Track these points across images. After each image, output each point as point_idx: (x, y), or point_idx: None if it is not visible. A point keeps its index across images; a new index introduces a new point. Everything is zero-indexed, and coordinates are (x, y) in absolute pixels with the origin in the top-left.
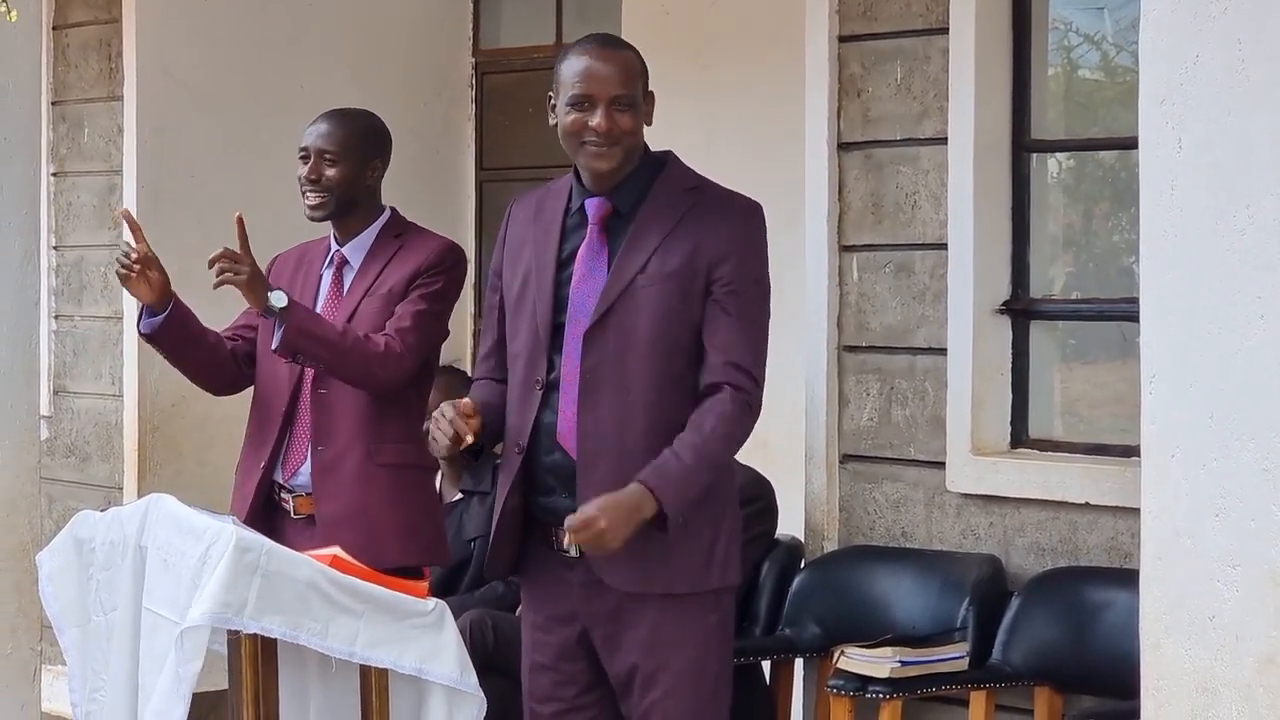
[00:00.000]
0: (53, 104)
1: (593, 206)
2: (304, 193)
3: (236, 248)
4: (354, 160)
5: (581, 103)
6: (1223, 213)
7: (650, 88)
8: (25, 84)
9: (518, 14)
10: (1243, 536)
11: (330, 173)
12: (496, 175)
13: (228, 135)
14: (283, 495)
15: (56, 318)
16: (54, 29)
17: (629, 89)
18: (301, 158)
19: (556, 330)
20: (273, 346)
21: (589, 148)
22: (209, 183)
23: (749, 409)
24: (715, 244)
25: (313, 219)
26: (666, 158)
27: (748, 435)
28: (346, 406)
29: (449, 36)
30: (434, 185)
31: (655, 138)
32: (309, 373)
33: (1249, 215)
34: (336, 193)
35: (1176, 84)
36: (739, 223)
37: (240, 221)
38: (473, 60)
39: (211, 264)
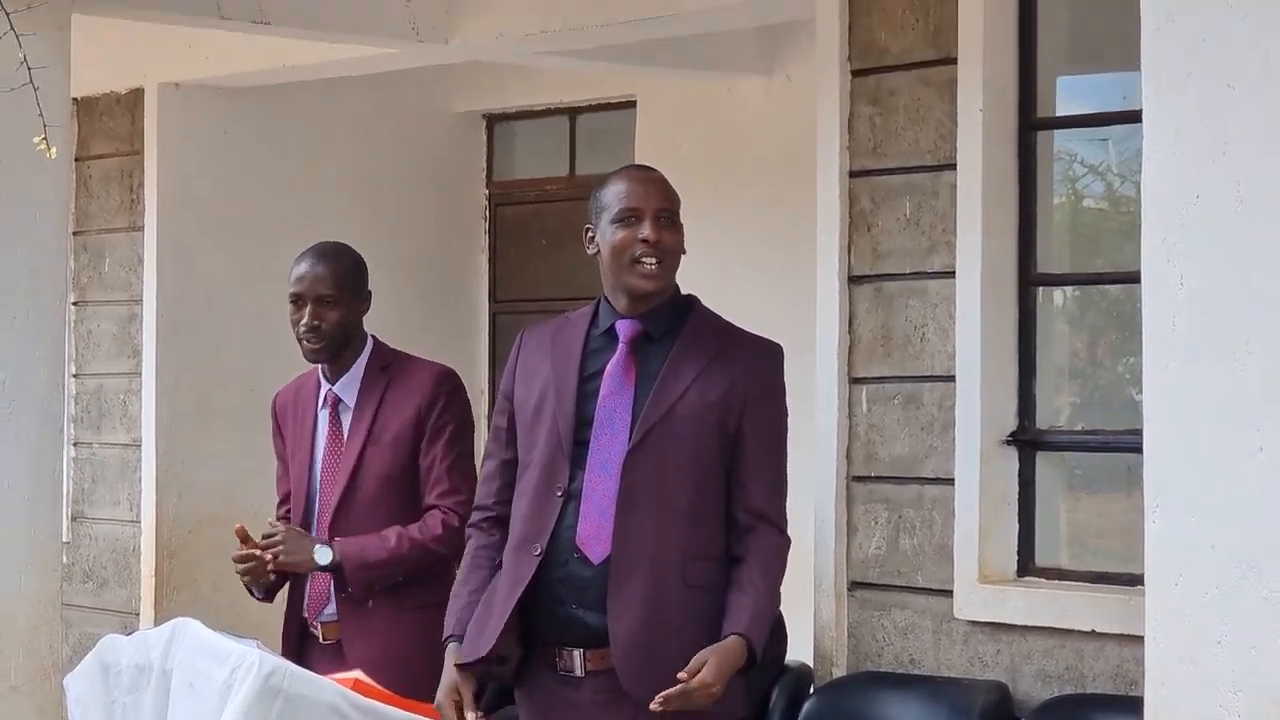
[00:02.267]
0: (74, 234)
1: (624, 327)
2: (304, 339)
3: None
4: (349, 299)
5: (629, 217)
6: (1223, 348)
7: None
8: (52, 217)
9: (531, 147)
10: (1245, 663)
11: (332, 315)
12: (509, 307)
13: (245, 265)
14: (311, 624)
15: (76, 444)
16: (76, 160)
17: (672, 205)
18: (295, 302)
19: (578, 444)
20: (348, 591)
21: (640, 265)
22: (227, 311)
23: (785, 546)
24: (748, 385)
25: (315, 362)
26: (693, 300)
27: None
28: None
29: (463, 168)
30: (448, 317)
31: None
32: (323, 517)
33: (1248, 350)
34: (337, 335)
35: (1177, 223)
36: (767, 366)
37: (241, 531)
38: (486, 192)
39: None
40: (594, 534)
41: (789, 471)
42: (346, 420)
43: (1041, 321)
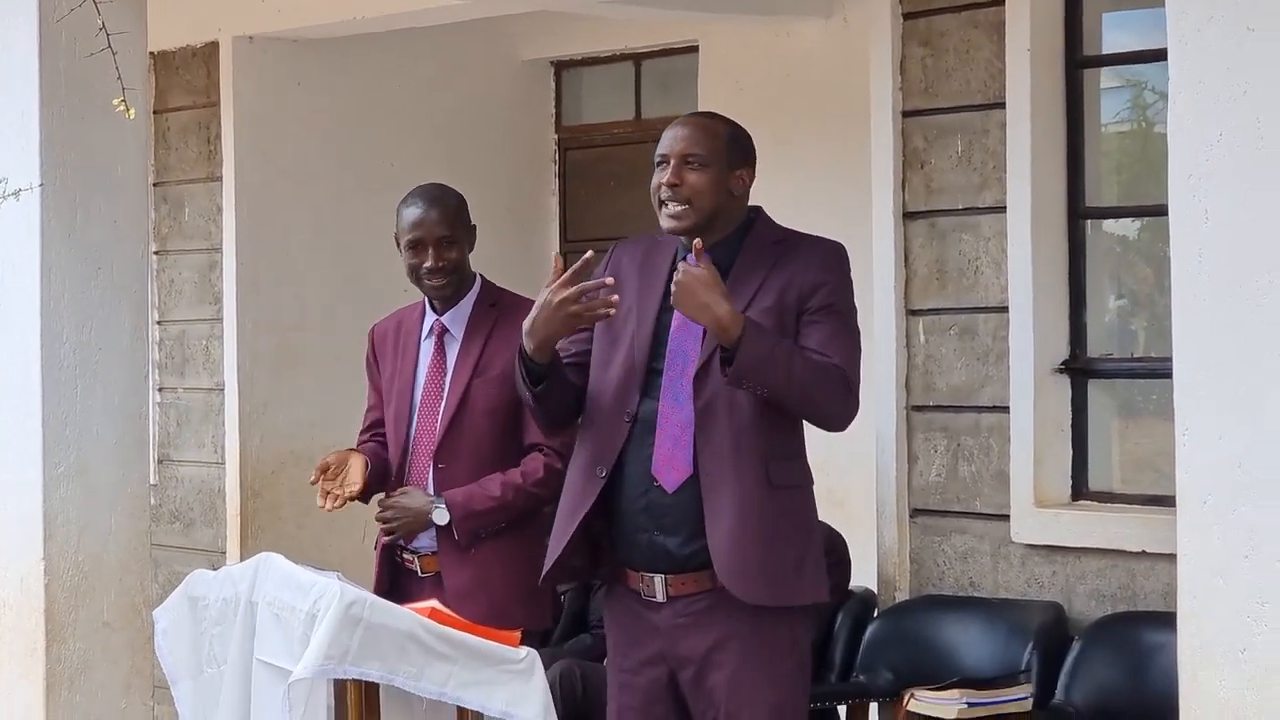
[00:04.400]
0: (154, 185)
1: (692, 261)
2: (428, 279)
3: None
4: (464, 236)
5: (661, 161)
6: (1246, 278)
7: (748, 166)
8: (134, 171)
9: (598, 92)
10: (1271, 576)
11: (453, 255)
12: (579, 247)
13: (322, 213)
14: (405, 555)
15: (160, 390)
16: (154, 113)
17: (702, 149)
18: (413, 247)
19: (652, 371)
20: (456, 538)
21: (665, 207)
22: (305, 259)
23: (848, 391)
24: (804, 279)
25: (441, 299)
26: (756, 214)
27: (833, 412)
28: (466, 483)
29: (533, 115)
30: (520, 257)
31: None
32: (423, 443)
33: (1269, 280)
34: (460, 271)
35: (1202, 159)
36: (825, 259)
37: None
38: (555, 137)
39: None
40: (668, 462)
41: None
42: (452, 352)
43: (1091, 253)
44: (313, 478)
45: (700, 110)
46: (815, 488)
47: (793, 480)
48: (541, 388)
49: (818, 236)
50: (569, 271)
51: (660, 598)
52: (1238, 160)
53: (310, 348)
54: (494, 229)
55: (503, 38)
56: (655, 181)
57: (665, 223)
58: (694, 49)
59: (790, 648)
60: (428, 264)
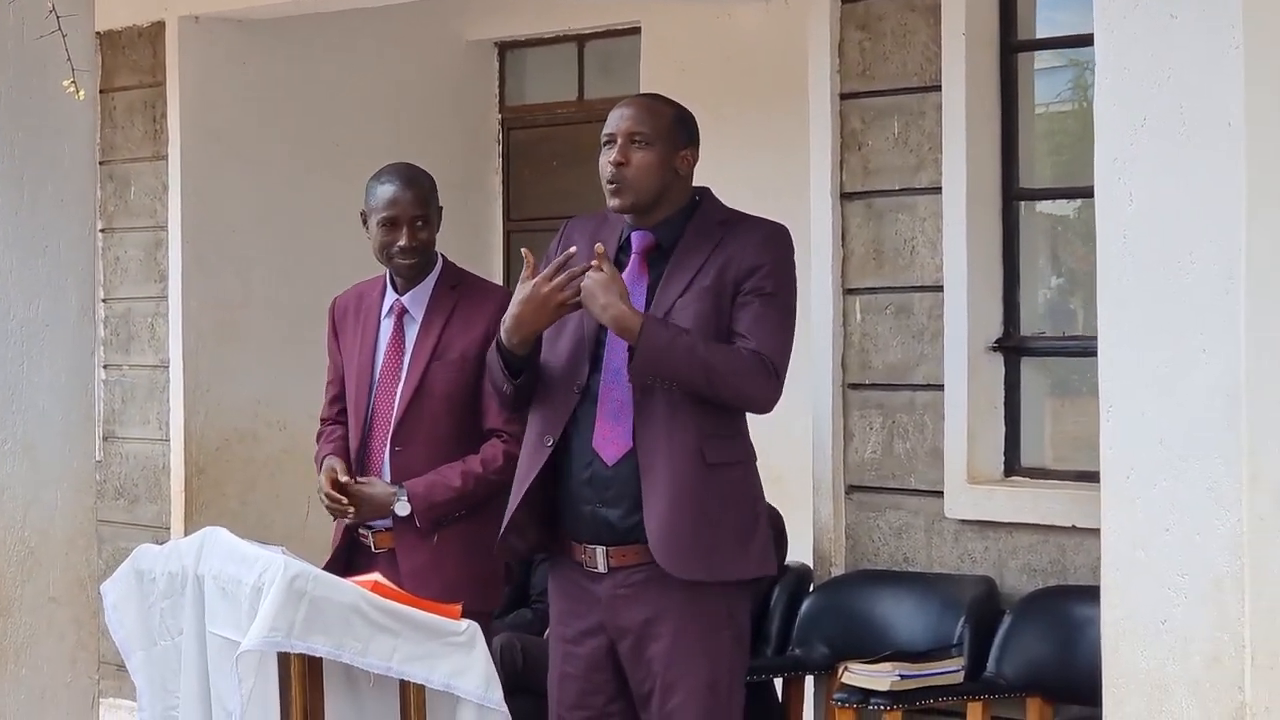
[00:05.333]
0: (101, 163)
1: (637, 239)
2: (398, 258)
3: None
4: (435, 217)
5: (606, 141)
6: (1168, 259)
7: (693, 146)
8: (81, 151)
9: (542, 72)
10: (1190, 549)
11: (424, 236)
12: (522, 226)
13: (268, 191)
14: (360, 531)
15: (106, 367)
16: (101, 92)
17: (648, 128)
18: (387, 225)
19: (600, 344)
20: (420, 526)
21: (608, 186)
22: (250, 237)
23: (765, 375)
24: (742, 260)
25: (407, 278)
26: (703, 195)
27: (751, 397)
28: (423, 466)
29: (477, 95)
30: (464, 236)
31: None
32: (380, 424)
33: (1191, 261)
34: (428, 251)
35: (1127, 143)
36: (764, 240)
37: (333, 472)
38: (499, 117)
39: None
40: (608, 436)
41: (786, 379)
42: (411, 332)
43: (1024, 234)
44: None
45: (646, 92)
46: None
47: (730, 457)
48: (522, 378)
49: (762, 218)
50: (554, 264)
51: (601, 569)
52: (1161, 144)
53: (255, 326)
54: None
55: (447, 18)
56: (602, 161)
57: (611, 201)
58: (636, 30)
59: (727, 621)
60: (401, 243)
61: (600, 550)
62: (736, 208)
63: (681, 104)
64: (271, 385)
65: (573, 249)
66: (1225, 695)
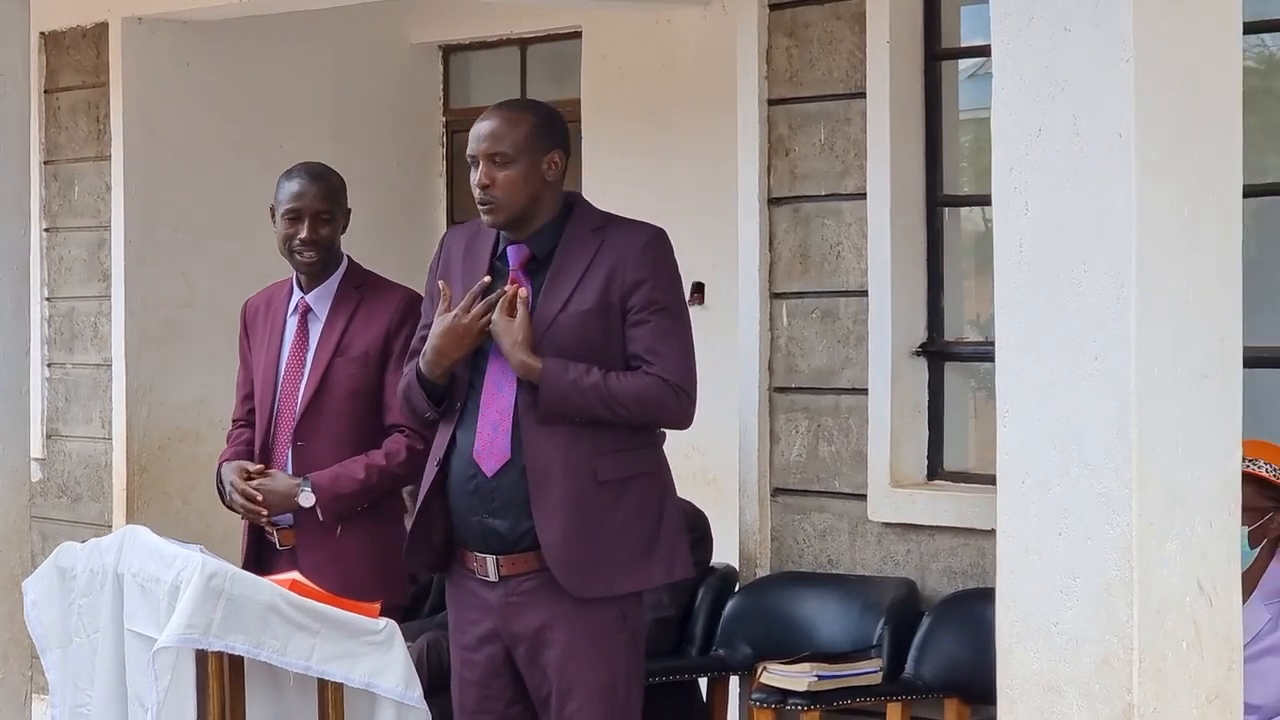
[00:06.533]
0: (45, 163)
1: (514, 254)
2: (300, 253)
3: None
4: (339, 215)
5: (471, 161)
6: (1062, 268)
7: (559, 147)
8: (15, 148)
9: (485, 75)
10: (1082, 553)
11: (325, 231)
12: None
13: (211, 192)
14: (266, 528)
15: (49, 365)
16: (46, 92)
17: (506, 145)
18: (290, 218)
19: (477, 357)
20: (321, 519)
21: (479, 206)
22: (193, 237)
23: (675, 399)
24: (625, 275)
25: (308, 274)
26: (575, 201)
27: (663, 420)
28: (325, 461)
29: (422, 98)
30: (408, 237)
31: (614, 189)
32: (284, 420)
33: (1084, 270)
34: (331, 248)
35: (1023, 154)
36: (645, 251)
37: (243, 471)
38: (444, 119)
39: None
40: (486, 447)
41: (715, 382)
42: (315, 330)
43: (948, 240)
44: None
45: (505, 101)
46: (688, 467)
47: (629, 471)
48: (444, 404)
49: (637, 223)
50: (469, 296)
51: (493, 577)
52: (1055, 155)
53: (198, 325)
54: (383, 210)
55: (392, 22)
56: (471, 180)
57: (485, 219)
58: (578, 34)
59: (620, 624)
60: (302, 235)
61: (491, 559)
62: (670, 212)
63: (542, 104)
64: (214, 384)
65: (486, 279)
66: (1114, 696)
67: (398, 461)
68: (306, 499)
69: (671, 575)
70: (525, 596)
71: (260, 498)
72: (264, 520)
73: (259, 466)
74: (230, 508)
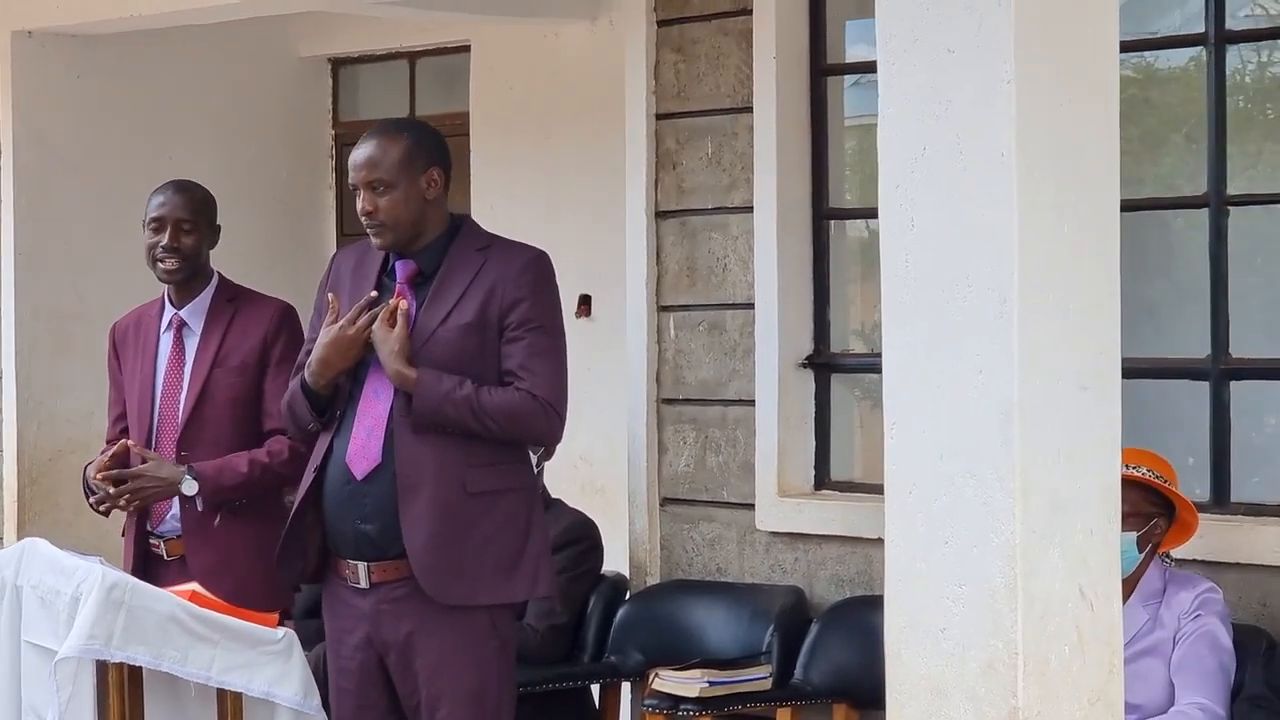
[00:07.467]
0: None
1: (401, 268)
2: (160, 259)
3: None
4: (204, 227)
5: (354, 189)
6: (947, 282)
7: (436, 164)
8: None
9: (374, 88)
10: (967, 561)
11: (189, 240)
12: (356, 240)
13: (100, 204)
14: (152, 541)
15: None
16: None
17: (382, 172)
18: (154, 227)
19: (359, 368)
20: (199, 508)
21: (367, 230)
22: (84, 248)
23: (545, 416)
24: (504, 293)
25: (169, 282)
26: (463, 222)
27: (532, 436)
28: None
29: (310, 110)
30: (298, 250)
31: (503, 202)
32: (166, 432)
33: (968, 284)
34: (193, 258)
35: (908, 171)
36: (525, 271)
37: (124, 449)
38: (332, 132)
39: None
40: (359, 452)
41: (604, 394)
42: (191, 344)
43: (834, 253)
44: (108, 496)
45: (380, 124)
46: (576, 477)
47: (498, 485)
48: (327, 415)
49: (521, 245)
50: (355, 309)
51: (364, 584)
52: (940, 174)
53: (89, 336)
54: (271, 222)
55: (280, 35)
56: (358, 207)
57: (375, 241)
58: (466, 48)
59: (490, 631)
60: (163, 242)
61: (362, 566)
62: (555, 225)
63: (416, 123)
64: (104, 396)
65: (373, 293)
66: (999, 700)
67: (280, 460)
68: (189, 486)
69: (535, 592)
70: (395, 604)
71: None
72: (133, 508)
73: (135, 446)
74: (98, 508)
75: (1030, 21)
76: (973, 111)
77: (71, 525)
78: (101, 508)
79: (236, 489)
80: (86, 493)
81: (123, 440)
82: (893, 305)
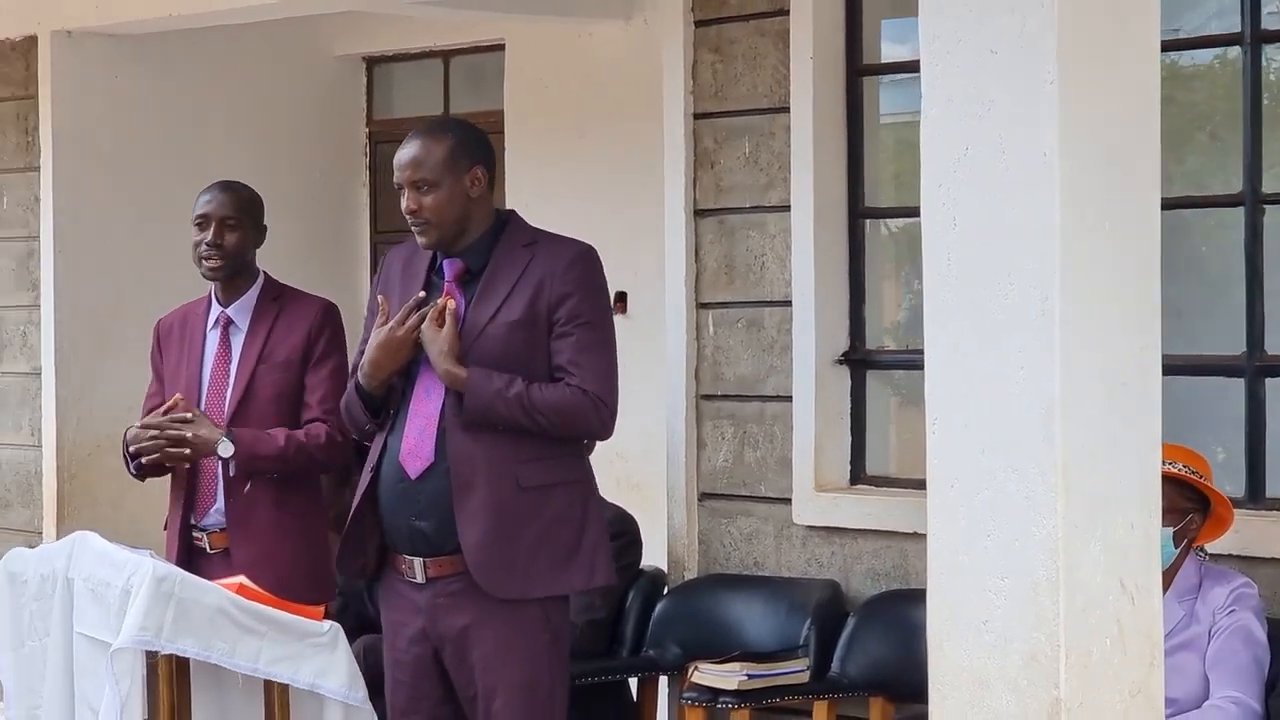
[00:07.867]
0: None
1: (448, 266)
2: (204, 257)
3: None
4: (248, 226)
5: (399, 188)
6: (989, 279)
7: (480, 163)
8: None
9: (408, 86)
10: (1009, 554)
11: (230, 238)
12: (390, 238)
13: (139, 203)
14: (195, 534)
15: None
16: None
17: (426, 171)
18: (199, 225)
19: (411, 367)
20: (232, 473)
21: (413, 229)
22: (122, 248)
23: (596, 411)
24: (552, 289)
25: (212, 279)
26: (509, 218)
27: (584, 432)
28: None
29: (344, 108)
30: (332, 247)
31: (536, 200)
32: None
33: (1010, 281)
34: (236, 256)
35: (950, 171)
36: (572, 266)
37: (175, 403)
38: (367, 130)
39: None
40: (412, 450)
41: (644, 390)
42: (237, 341)
43: (870, 251)
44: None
45: (425, 123)
46: (612, 473)
47: (551, 479)
48: (382, 415)
49: (567, 239)
50: (404, 309)
51: (420, 579)
52: (982, 173)
53: (127, 335)
54: (306, 220)
55: (316, 34)
56: (403, 205)
57: (420, 240)
58: (501, 47)
59: (543, 625)
60: (207, 239)
61: (418, 561)
62: (592, 224)
63: (461, 122)
64: (142, 393)
65: (421, 293)
66: (1042, 691)
67: (317, 444)
68: (225, 448)
69: (591, 582)
70: (451, 598)
71: (186, 431)
72: (184, 459)
73: (183, 400)
74: (133, 464)
75: (1072, 22)
76: (1015, 111)
77: (110, 520)
78: (142, 458)
79: (270, 459)
80: (126, 456)
81: (175, 395)
82: (935, 303)
